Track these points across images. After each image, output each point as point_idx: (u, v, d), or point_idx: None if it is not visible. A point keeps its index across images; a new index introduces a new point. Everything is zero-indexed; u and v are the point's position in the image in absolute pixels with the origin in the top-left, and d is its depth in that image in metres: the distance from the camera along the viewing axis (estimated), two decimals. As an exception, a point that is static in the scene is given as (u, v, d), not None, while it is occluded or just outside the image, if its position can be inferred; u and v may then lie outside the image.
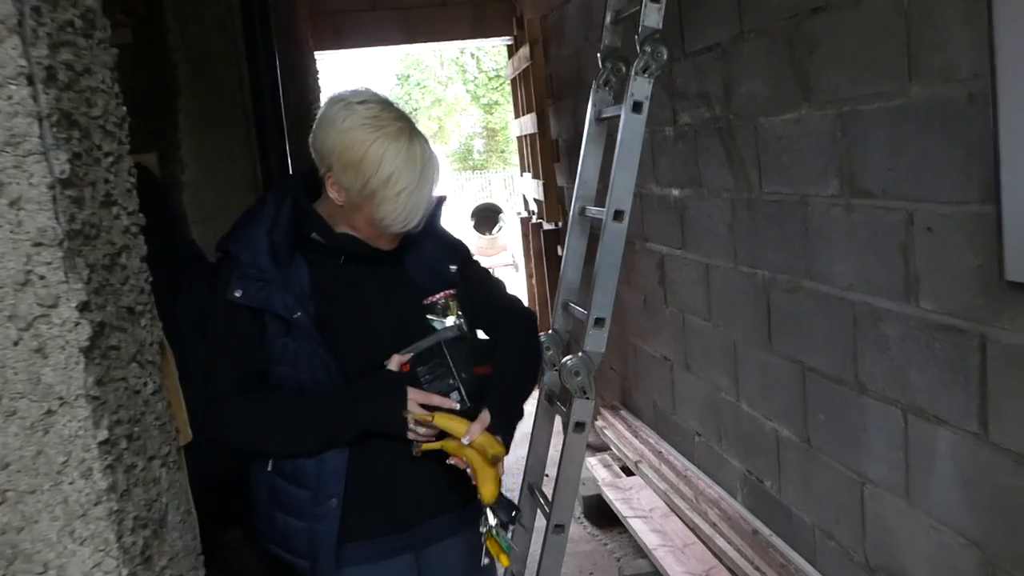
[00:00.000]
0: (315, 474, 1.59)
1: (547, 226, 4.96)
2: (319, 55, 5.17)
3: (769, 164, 2.50)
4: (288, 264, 1.58)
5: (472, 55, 24.26)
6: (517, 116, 5.39)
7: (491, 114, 25.40)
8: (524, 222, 5.50)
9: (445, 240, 1.77)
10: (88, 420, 1.07)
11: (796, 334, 2.48)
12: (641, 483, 3.55)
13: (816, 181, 2.24)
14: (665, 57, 2.21)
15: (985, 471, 1.77)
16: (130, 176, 1.32)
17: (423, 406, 1.57)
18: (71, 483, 1.08)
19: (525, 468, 2.64)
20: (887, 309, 2.02)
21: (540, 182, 4.71)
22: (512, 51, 5.35)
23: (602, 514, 3.58)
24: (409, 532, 1.69)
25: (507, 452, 1.62)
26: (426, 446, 1.59)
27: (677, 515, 3.18)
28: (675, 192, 3.24)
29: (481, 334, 1.79)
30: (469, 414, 1.60)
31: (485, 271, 1.88)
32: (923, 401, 1.94)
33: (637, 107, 2.22)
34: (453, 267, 1.73)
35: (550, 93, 4.70)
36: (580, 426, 2.30)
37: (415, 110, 26.40)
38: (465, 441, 1.56)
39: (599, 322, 2.27)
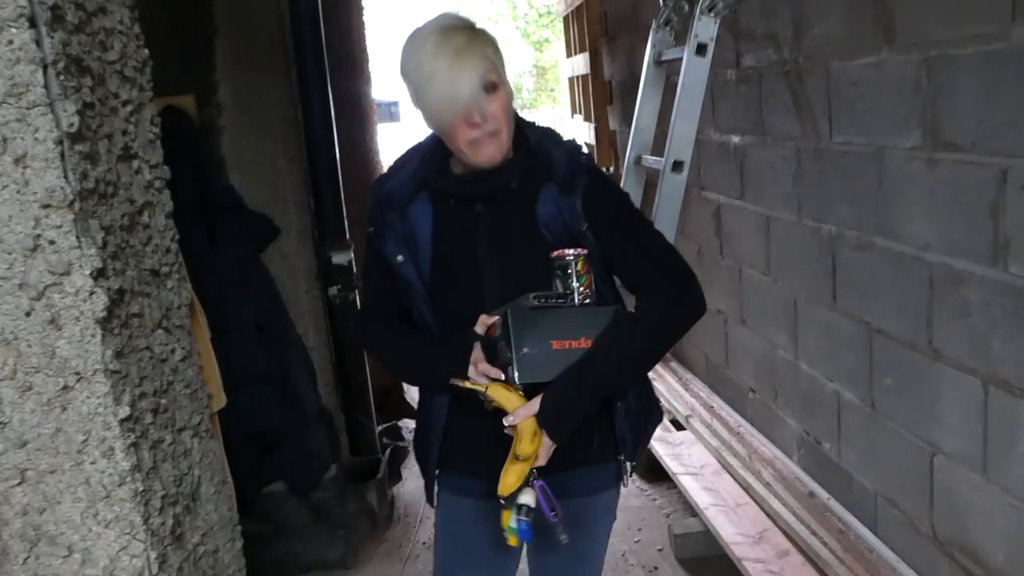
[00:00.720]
0: (430, 403, 1.67)
1: (598, 171, 4.80)
2: (365, -9, 5.01)
3: (841, 112, 2.32)
4: (404, 207, 1.59)
5: (522, -10, 23.69)
6: (569, 55, 5.18)
7: (541, 51, 24.88)
8: (573, 166, 5.34)
9: (585, 186, 1.55)
10: (108, 396, 0.99)
11: (864, 294, 2.33)
12: (692, 438, 3.45)
13: (895, 132, 2.06)
14: (733, -6, 2.03)
15: (1075, 451, 1.63)
16: (153, 126, 1.22)
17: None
18: (92, 463, 1.01)
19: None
20: (970, 272, 1.86)
21: (592, 125, 4.54)
22: (564, -14, 5.13)
23: (651, 468, 3.50)
24: (495, 480, 1.57)
25: (546, 453, 1.48)
26: (494, 404, 1.49)
27: (729, 473, 3.08)
28: (735, 139, 3.06)
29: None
30: (538, 391, 1.47)
31: (637, 224, 1.63)
32: (1007, 373, 1.79)
33: (701, 49, 2.06)
34: (586, 224, 1.53)
35: (604, 32, 4.49)
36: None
37: (463, 47, 25.82)
38: (505, 422, 1.45)
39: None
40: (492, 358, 1.49)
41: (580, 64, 4.72)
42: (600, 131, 4.52)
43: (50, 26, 0.91)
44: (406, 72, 1.48)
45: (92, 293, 0.95)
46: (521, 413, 1.45)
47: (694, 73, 2.06)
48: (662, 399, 3.85)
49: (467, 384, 1.49)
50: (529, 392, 1.47)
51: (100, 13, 1.04)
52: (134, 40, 1.16)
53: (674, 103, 2.10)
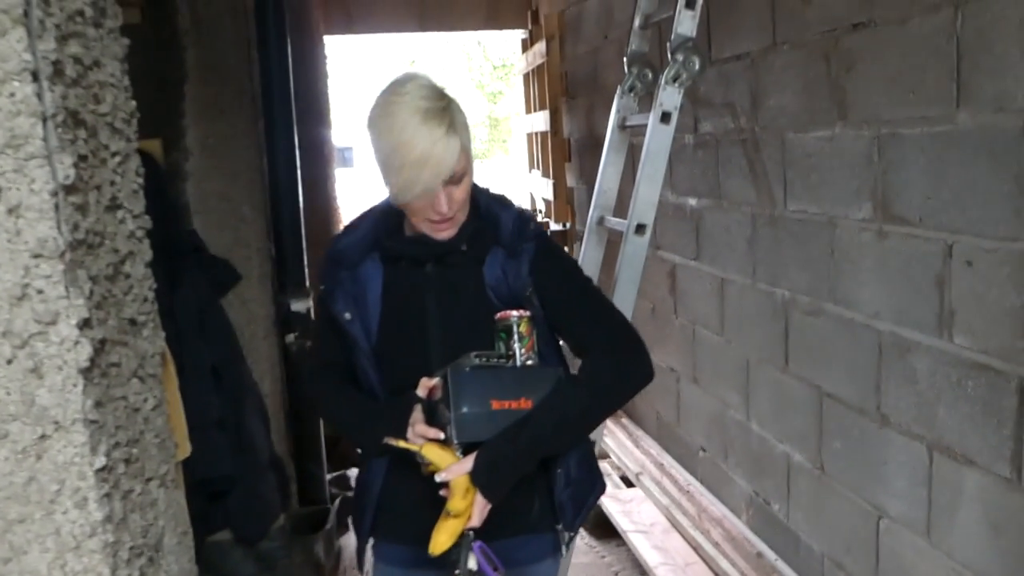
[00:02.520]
0: (368, 465, 1.67)
1: (554, 226, 4.87)
2: (327, 39, 5.07)
3: (796, 181, 2.42)
4: (355, 266, 1.60)
5: (478, 43, 24.09)
6: (528, 112, 5.29)
7: (495, 103, 25.23)
8: (530, 220, 5.41)
9: (532, 252, 1.57)
10: (85, 446, 0.99)
11: (815, 358, 2.40)
12: (642, 496, 3.48)
13: (847, 203, 2.16)
14: (697, 67, 2.12)
15: (1016, 517, 1.70)
16: (137, 176, 1.23)
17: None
18: (64, 513, 1.00)
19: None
20: (917, 341, 1.94)
21: (550, 181, 4.62)
22: (526, 45, 5.25)
23: (600, 524, 3.50)
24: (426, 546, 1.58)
25: (479, 513, 1.44)
26: (430, 468, 1.48)
27: (679, 532, 3.11)
28: (692, 202, 3.16)
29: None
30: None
31: (583, 289, 1.65)
32: (951, 440, 1.86)
33: (665, 117, 2.13)
34: (530, 288, 1.55)
35: (564, 91, 4.61)
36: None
37: (419, 96, 26.12)
38: (437, 478, 1.43)
39: (614, 338, 2.19)
40: (432, 420, 1.49)
41: (539, 121, 4.82)
42: (558, 187, 4.60)
43: (51, 80, 0.92)
44: (379, 143, 1.47)
45: (77, 343, 0.95)
46: (454, 469, 1.43)
47: (658, 140, 2.14)
48: (612, 455, 3.88)
49: (400, 443, 1.47)
50: (468, 453, 1.46)
51: (95, 67, 1.06)
52: (123, 92, 1.18)
53: (638, 167, 2.17)
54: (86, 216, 1.00)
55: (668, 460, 3.59)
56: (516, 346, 1.51)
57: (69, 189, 0.95)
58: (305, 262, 3.01)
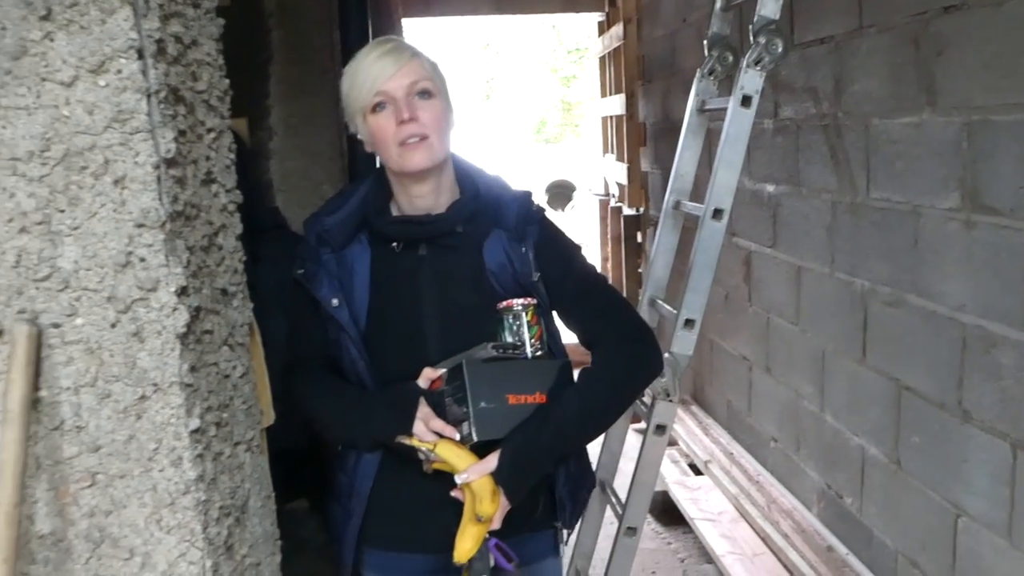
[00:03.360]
0: (353, 466, 1.52)
1: (627, 211, 4.85)
2: (406, 22, 5.12)
3: (879, 168, 2.36)
4: (340, 248, 1.49)
5: (553, 26, 23.99)
6: (604, 95, 5.26)
7: (568, 87, 25.14)
8: (603, 204, 5.39)
9: (536, 235, 1.50)
10: (181, 408, 1.04)
11: (895, 350, 2.35)
12: (710, 483, 3.45)
13: (933, 192, 2.10)
14: (780, 50, 2.08)
15: (1104, 520, 1.65)
16: (230, 152, 1.28)
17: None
18: (161, 471, 1.05)
19: (598, 463, 2.57)
20: (1004, 336, 1.88)
21: (624, 165, 4.59)
22: (603, 28, 5.22)
23: (668, 511, 3.50)
24: (432, 554, 1.49)
25: (500, 515, 1.38)
26: (436, 465, 1.40)
27: (747, 521, 3.08)
28: (769, 188, 3.11)
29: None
30: (489, 449, 1.38)
31: (590, 276, 1.56)
32: (1037, 437, 1.81)
33: (746, 101, 2.10)
34: (537, 274, 1.48)
35: (641, 75, 4.57)
36: (661, 429, 2.21)
37: (491, 79, 26.30)
38: (458, 480, 1.36)
39: (689, 323, 2.18)
40: (440, 414, 1.40)
41: (615, 105, 4.79)
42: (632, 171, 4.57)
43: (155, 58, 0.96)
44: (342, 84, 1.47)
45: (175, 309, 1.00)
46: (477, 470, 1.36)
47: (738, 124, 2.11)
48: (681, 442, 3.86)
49: (413, 442, 1.38)
50: (480, 451, 1.38)
51: (194, 45, 1.10)
52: (218, 71, 1.22)
53: (716, 151, 2.15)
54: (184, 189, 1.04)
55: (738, 449, 3.56)
56: (526, 336, 1.42)
57: (170, 163, 0.99)
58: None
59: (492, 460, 1.38)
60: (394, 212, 1.52)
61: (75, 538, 1.06)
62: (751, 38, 2.11)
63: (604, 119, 5.38)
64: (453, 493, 1.40)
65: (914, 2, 2.12)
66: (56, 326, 0.98)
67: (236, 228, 1.31)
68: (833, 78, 2.57)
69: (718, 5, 2.42)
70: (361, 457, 1.51)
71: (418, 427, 1.40)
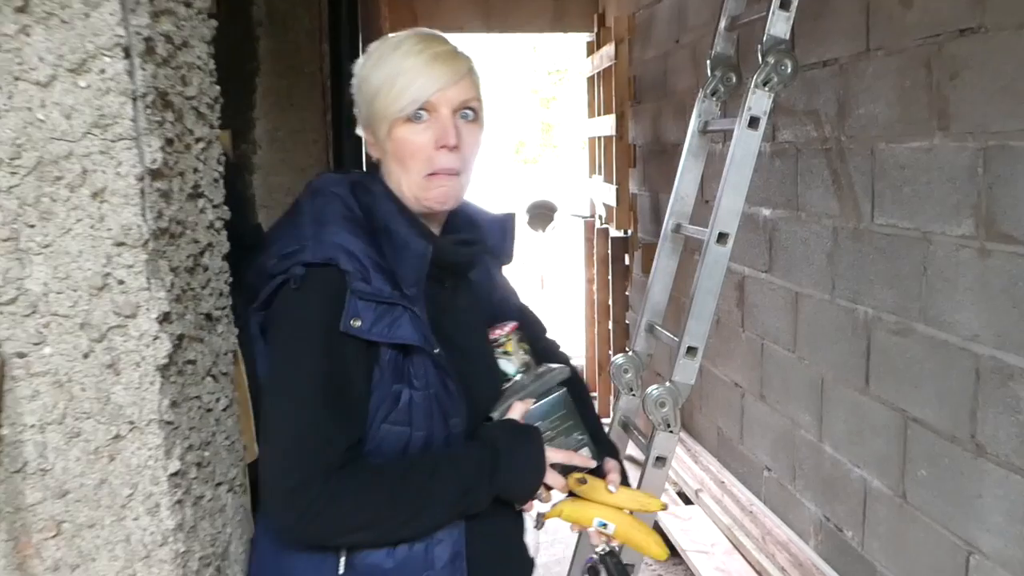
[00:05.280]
0: (422, 562, 1.17)
1: (615, 232, 4.77)
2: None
3: (886, 193, 2.30)
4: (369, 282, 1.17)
5: (534, 48, 24.09)
6: (592, 116, 5.20)
7: (547, 108, 25.21)
8: (589, 226, 5.32)
9: (511, 259, 1.41)
10: (159, 449, 0.92)
11: (901, 380, 2.27)
12: (701, 513, 3.36)
13: (944, 218, 2.03)
14: (789, 71, 2.02)
15: None
16: (218, 164, 1.18)
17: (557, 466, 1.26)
18: (136, 519, 0.93)
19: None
20: (1021, 368, 1.81)
21: (613, 187, 4.53)
22: (592, 48, 5.16)
23: (656, 542, 3.40)
24: None
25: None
26: (550, 513, 1.29)
27: (741, 553, 2.99)
28: (765, 212, 3.04)
29: None
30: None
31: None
32: (1058, 476, 1.74)
33: (753, 122, 2.03)
34: (515, 298, 1.45)
35: (631, 95, 4.51)
36: (661, 461, 2.12)
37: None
38: (612, 489, 1.29)
39: (691, 351, 2.09)
40: None
41: (604, 125, 4.73)
42: (621, 193, 4.51)
43: (143, 58, 0.86)
44: (365, 75, 1.22)
45: (156, 338, 0.90)
46: (617, 481, 1.31)
47: (745, 146, 2.03)
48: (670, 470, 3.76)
49: (576, 479, 1.26)
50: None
51: (184, 47, 1.01)
52: (209, 76, 1.13)
53: (723, 174, 2.07)
54: (170, 204, 0.94)
55: (729, 477, 3.47)
56: (531, 359, 1.35)
57: (155, 174, 0.89)
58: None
59: (616, 468, 1.33)
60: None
61: (37, 594, 0.94)
62: (759, 58, 2.04)
63: (592, 140, 5.32)
64: (590, 530, 1.31)
65: (926, 24, 2.06)
66: (21, 355, 0.87)
67: (223, 247, 1.21)
68: (837, 101, 2.51)
69: (722, 24, 2.36)
70: (434, 544, 1.18)
71: (554, 476, 1.24)
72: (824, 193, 2.63)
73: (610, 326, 4.99)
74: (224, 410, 1.18)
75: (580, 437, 1.29)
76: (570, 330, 5.87)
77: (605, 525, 1.28)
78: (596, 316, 5.17)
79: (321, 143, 2.68)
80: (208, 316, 1.11)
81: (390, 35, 1.26)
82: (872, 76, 2.32)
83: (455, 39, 1.27)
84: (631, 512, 1.31)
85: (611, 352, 4.88)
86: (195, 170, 1.05)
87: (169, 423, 0.93)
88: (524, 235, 10.17)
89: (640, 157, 4.54)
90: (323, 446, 1.12)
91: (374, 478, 1.14)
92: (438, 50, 1.21)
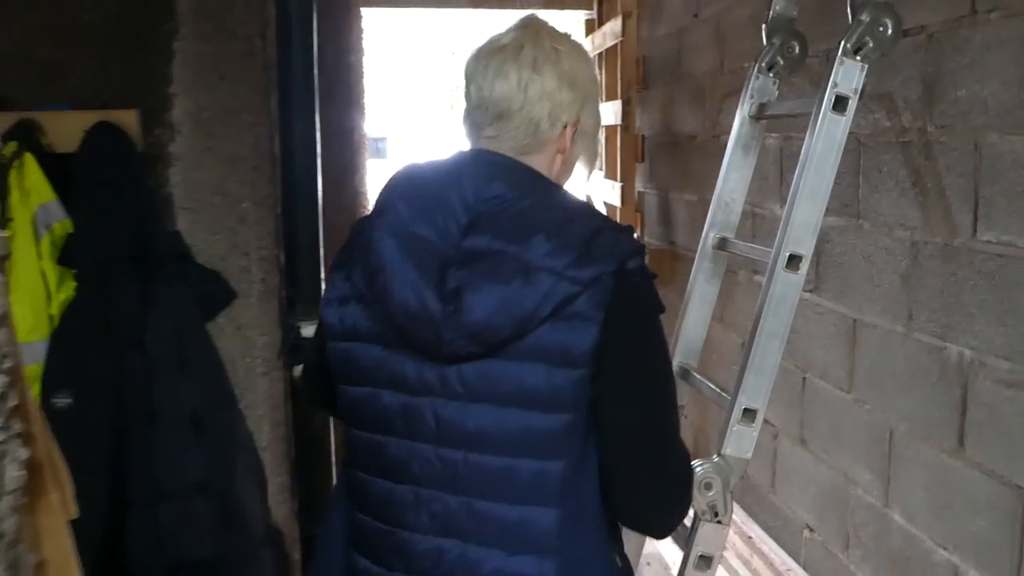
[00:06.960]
0: None
1: (616, 236, 4.21)
2: (365, 12, 4.46)
3: (996, 201, 1.76)
4: None
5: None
6: (590, 103, 4.63)
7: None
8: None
9: None
10: None
11: (1013, 444, 1.74)
12: (722, 572, 2.82)
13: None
14: (890, 32, 1.47)
15: None
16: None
17: None
18: None
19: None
20: None
21: (617, 184, 3.97)
22: (591, 26, 4.59)
23: (672, 609, 2.86)
24: None
25: None
26: None
27: (778, 635, 2.46)
28: (813, 218, 2.49)
29: None
30: None
31: None
32: None
33: (840, 104, 1.48)
34: None
35: (639, 79, 3.96)
36: (705, 561, 1.57)
37: (456, 87, 25.72)
38: None
39: (748, 414, 1.55)
40: None
41: (607, 114, 4.16)
42: (626, 191, 3.95)
43: None
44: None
45: None
46: None
47: (829, 135, 1.48)
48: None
49: None
50: None
51: None
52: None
53: (798, 175, 1.52)
54: None
55: (757, 532, 2.93)
56: None
57: None
58: (323, 274, 2.39)
59: None
60: None
61: None
62: (849, 15, 1.49)
63: (589, 129, 4.75)
64: None
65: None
66: None
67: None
68: (922, 81, 1.96)
69: (783, -24, 1.80)
70: None
71: None
72: (899, 198, 2.08)
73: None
74: None
75: None
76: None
77: None
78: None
79: (262, 128, 2.10)
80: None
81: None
82: (979, 47, 1.78)
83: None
84: None
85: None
86: None
87: None
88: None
89: (649, 150, 3.99)
90: None
91: None
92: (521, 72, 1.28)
